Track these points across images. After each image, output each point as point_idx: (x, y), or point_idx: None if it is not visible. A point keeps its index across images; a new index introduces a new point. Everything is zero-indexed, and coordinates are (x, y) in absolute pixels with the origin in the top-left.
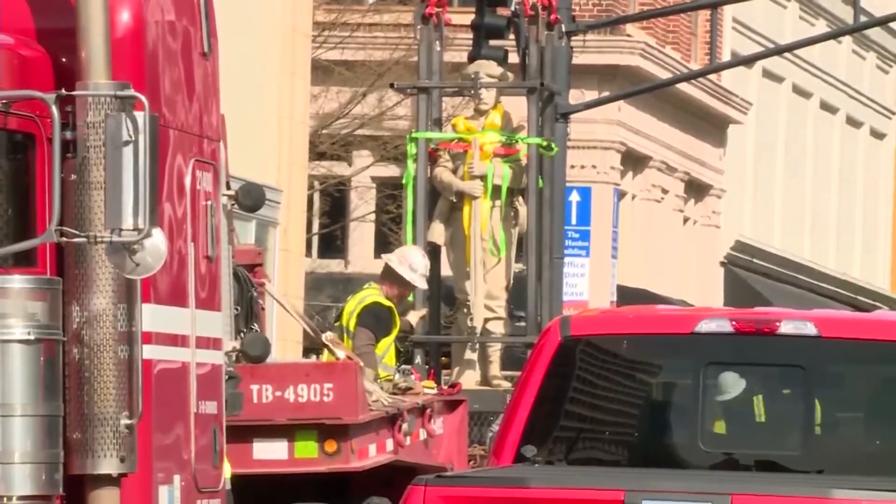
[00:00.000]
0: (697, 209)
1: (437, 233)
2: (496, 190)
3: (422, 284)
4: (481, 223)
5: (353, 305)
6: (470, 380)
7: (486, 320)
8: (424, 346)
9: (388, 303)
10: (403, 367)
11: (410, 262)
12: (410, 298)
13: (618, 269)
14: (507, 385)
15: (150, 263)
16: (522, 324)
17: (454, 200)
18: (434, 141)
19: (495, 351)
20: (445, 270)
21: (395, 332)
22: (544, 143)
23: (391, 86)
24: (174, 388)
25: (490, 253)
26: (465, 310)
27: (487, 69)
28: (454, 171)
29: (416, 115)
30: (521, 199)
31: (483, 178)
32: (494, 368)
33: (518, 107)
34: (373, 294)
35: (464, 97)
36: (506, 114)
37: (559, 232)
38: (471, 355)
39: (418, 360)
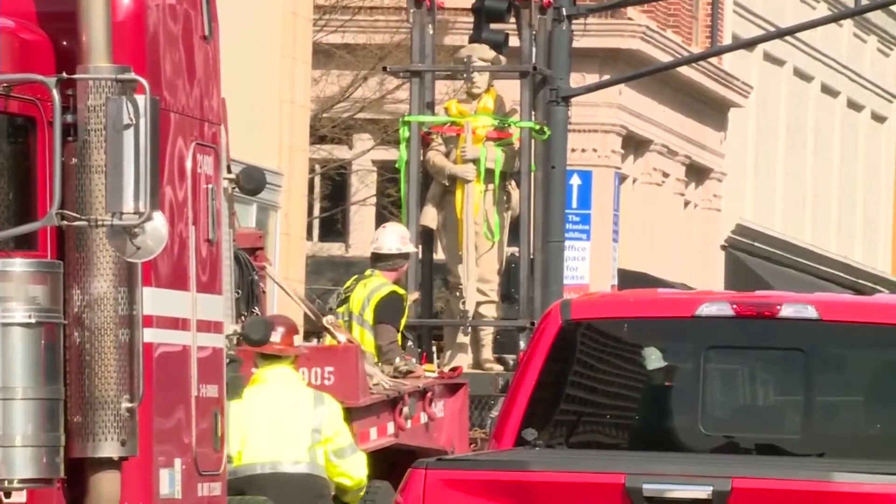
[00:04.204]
0: (698, 193)
1: (430, 217)
2: (489, 174)
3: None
4: (474, 207)
5: (363, 293)
6: (462, 363)
7: (479, 304)
8: (417, 329)
9: (402, 290)
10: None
11: (405, 235)
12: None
13: (619, 252)
14: (498, 368)
15: (150, 247)
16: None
17: (447, 184)
18: (427, 125)
19: (487, 335)
20: (438, 254)
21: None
22: (537, 127)
23: (384, 69)
24: (175, 371)
25: (485, 237)
26: (458, 293)
27: (480, 53)
28: (447, 155)
29: (410, 99)
30: (513, 182)
31: (476, 161)
32: (486, 352)
33: (512, 91)
34: (385, 283)
35: (461, 80)
36: (498, 97)
37: (560, 215)
38: (463, 339)
39: (410, 343)
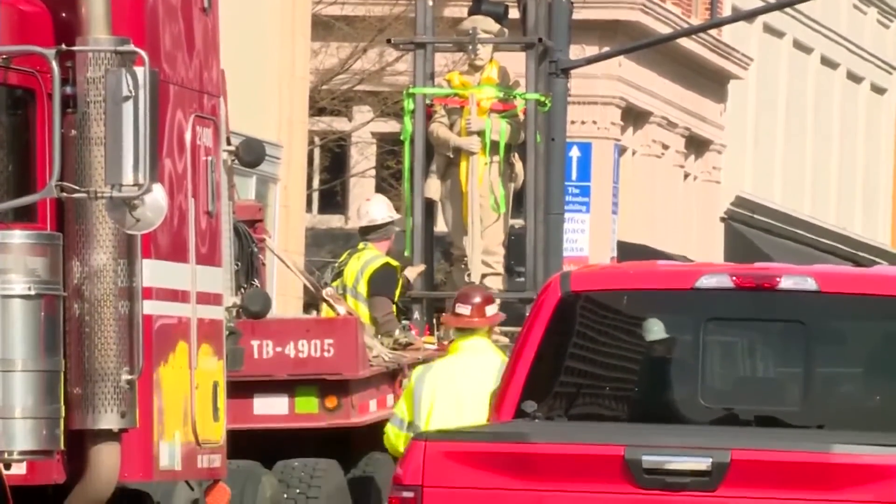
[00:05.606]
0: (698, 165)
1: (434, 189)
2: (494, 146)
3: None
4: (478, 179)
5: (356, 266)
6: None
7: (484, 276)
8: (421, 301)
9: (395, 262)
10: (403, 322)
11: (389, 203)
12: (407, 254)
13: (618, 224)
14: (504, 340)
15: (150, 219)
16: (523, 279)
17: (451, 156)
18: (430, 97)
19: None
20: (441, 226)
21: (400, 288)
22: (542, 99)
23: (388, 42)
24: (175, 343)
25: (491, 209)
26: (462, 265)
27: (484, 25)
28: (450, 127)
29: (413, 71)
30: (516, 155)
31: (480, 133)
32: None
33: (511, 62)
34: (378, 256)
35: (463, 52)
36: (502, 69)
37: (559, 187)
38: None
39: (416, 315)
